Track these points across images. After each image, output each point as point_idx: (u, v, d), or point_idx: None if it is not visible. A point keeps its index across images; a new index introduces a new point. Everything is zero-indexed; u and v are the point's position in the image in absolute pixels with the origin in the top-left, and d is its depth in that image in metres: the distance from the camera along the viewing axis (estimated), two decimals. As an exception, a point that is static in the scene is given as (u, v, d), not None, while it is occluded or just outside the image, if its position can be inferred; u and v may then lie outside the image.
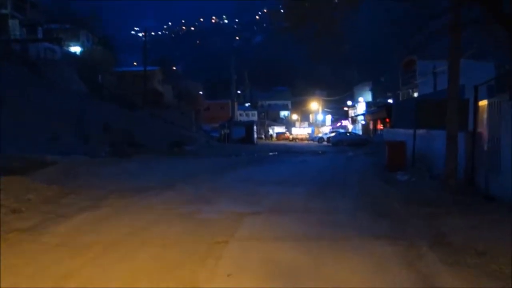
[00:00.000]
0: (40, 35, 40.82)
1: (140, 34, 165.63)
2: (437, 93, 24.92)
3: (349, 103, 62.34)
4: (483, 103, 8.39)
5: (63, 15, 47.76)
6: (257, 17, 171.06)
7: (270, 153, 26.62)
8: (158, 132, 32.73)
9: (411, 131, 16.60)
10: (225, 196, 8.91)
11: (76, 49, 48.63)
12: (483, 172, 8.45)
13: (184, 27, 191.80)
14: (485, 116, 8.24)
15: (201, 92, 72.53)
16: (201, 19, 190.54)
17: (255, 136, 45.43)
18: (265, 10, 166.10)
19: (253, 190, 9.56)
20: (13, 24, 39.44)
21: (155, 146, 26.52)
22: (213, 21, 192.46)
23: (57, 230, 5.92)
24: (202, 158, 21.91)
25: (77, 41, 49.61)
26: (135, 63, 73.05)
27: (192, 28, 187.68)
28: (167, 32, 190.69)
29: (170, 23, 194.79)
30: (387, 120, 36.04)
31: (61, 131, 23.20)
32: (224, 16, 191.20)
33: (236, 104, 76.46)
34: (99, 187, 10.10)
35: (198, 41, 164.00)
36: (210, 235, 5.59)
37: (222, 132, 43.28)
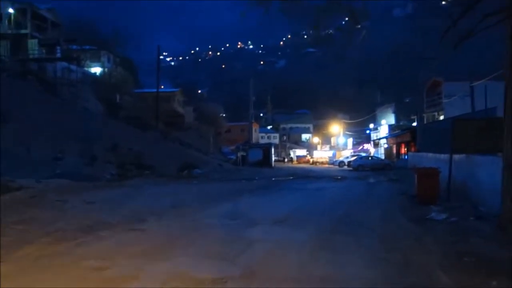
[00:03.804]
0: (58, 55, 40.32)
1: (168, 59, 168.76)
2: (474, 114, 22.21)
3: (371, 126, 59.40)
4: None
5: (85, 36, 47.54)
6: (281, 42, 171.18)
7: (285, 178, 24.10)
8: (170, 154, 31.11)
9: (442, 156, 14.01)
10: (195, 243, 6.51)
11: (96, 69, 48.50)
12: None
13: (210, 52, 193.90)
14: None
15: (223, 115, 71.36)
16: (227, 44, 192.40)
17: (273, 159, 42.99)
18: (289, 36, 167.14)
19: (237, 234, 7.07)
20: (32, 44, 39.24)
21: (165, 168, 24.87)
22: (239, 46, 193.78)
23: None
24: (208, 183, 20.01)
25: (97, 61, 49.56)
26: (162, 86, 73.74)
27: (218, 53, 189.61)
28: (193, 57, 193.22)
29: (197, 48, 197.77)
30: (412, 143, 33.59)
31: (67, 151, 21.71)
32: (249, 42, 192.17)
33: (257, 126, 74.84)
34: (43, 224, 7.91)
35: (223, 65, 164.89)
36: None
37: (238, 155, 41.18)
